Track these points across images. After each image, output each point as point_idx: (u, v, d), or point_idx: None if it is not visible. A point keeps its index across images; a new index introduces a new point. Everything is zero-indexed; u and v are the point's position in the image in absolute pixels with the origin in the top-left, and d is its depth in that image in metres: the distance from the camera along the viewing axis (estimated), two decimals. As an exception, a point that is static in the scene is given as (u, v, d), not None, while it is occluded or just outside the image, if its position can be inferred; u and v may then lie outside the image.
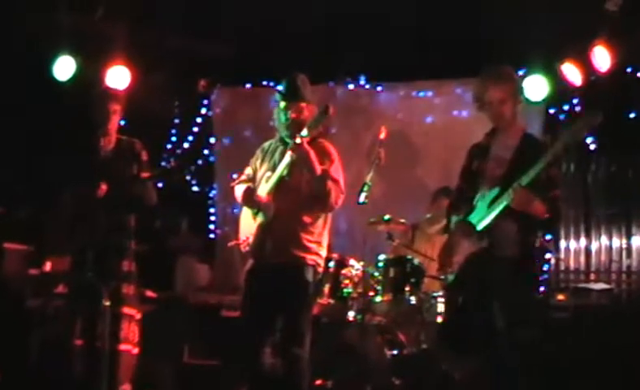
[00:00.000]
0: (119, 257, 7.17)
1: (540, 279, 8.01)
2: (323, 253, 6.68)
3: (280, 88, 6.63)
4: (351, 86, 10.91)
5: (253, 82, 10.56)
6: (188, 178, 11.15)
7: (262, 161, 6.76)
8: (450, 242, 6.45)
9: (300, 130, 6.33)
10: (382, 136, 7.59)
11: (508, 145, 6.27)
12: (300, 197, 6.43)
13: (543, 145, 6.15)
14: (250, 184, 6.71)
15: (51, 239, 8.74)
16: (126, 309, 7.20)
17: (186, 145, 11.23)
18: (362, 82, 10.86)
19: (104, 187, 6.97)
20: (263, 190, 6.56)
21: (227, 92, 11.12)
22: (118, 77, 9.94)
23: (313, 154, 6.31)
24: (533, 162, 5.85)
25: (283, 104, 6.57)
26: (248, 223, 6.68)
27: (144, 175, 7.13)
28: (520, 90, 6.48)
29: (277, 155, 6.61)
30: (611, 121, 6.21)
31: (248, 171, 6.84)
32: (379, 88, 10.86)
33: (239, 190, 6.77)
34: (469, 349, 6.40)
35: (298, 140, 6.27)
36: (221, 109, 11.23)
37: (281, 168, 6.45)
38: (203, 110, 11.31)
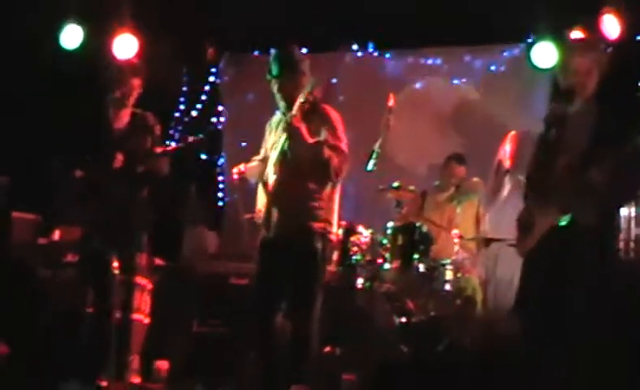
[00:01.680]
0: (133, 228, 7.21)
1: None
2: (334, 219, 6.69)
3: (274, 60, 6.57)
4: (359, 54, 10.86)
5: (262, 49, 10.53)
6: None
7: (270, 132, 6.78)
8: (526, 217, 6.40)
9: (294, 103, 6.40)
10: (391, 103, 7.59)
11: (587, 112, 6.17)
12: (302, 168, 6.42)
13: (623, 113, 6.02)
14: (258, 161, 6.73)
15: (64, 209, 8.74)
16: (138, 279, 7.30)
17: (194, 113, 11.21)
18: (370, 49, 10.81)
19: (120, 158, 7.06)
20: (271, 163, 6.58)
21: (235, 59, 11.10)
22: (125, 45, 9.94)
23: (304, 129, 6.33)
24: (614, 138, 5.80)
25: (275, 81, 6.56)
26: (262, 195, 6.69)
27: (158, 149, 7.14)
28: (605, 59, 6.28)
29: (280, 128, 6.62)
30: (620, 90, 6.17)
31: (262, 150, 6.84)
32: (387, 56, 10.82)
33: (252, 170, 6.78)
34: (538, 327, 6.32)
35: (288, 119, 6.34)
36: (229, 77, 11.22)
37: (281, 142, 6.49)
38: (211, 78, 11.29)
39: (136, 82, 7.29)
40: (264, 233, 6.60)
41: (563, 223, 6.02)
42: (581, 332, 5.90)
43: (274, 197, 6.51)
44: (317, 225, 6.48)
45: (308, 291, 6.44)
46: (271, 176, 6.53)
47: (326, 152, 6.33)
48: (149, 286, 7.57)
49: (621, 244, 9.77)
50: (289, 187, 6.46)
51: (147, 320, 7.58)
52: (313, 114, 6.48)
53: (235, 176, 6.71)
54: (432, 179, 9.35)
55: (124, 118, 7.30)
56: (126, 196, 7.13)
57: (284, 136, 6.45)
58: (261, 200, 6.64)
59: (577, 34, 6.39)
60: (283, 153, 6.48)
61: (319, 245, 6.48)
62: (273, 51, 6.62)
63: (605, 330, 5.99)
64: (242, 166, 6.71)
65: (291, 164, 6.45)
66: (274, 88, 6.56)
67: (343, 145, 6.46)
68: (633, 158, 5.87)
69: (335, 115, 6.57)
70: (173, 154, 7.21)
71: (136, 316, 7.36)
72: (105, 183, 7.08)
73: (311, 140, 6.34)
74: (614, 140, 5.78)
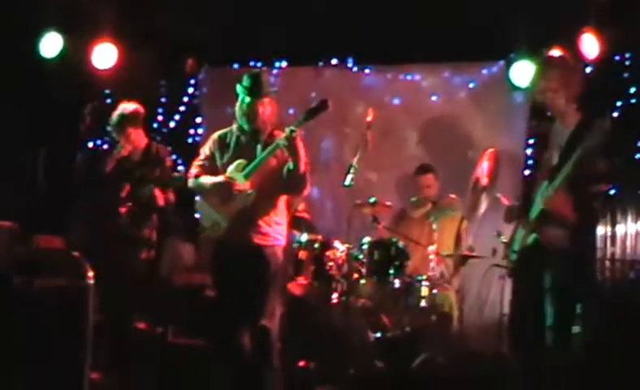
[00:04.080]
0: (137, 246, 8.00)
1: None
2: (284, 232, 6.82)
3: (245, 83, 6.70)
4: (338, 68, 10.86)
5: (241, 63, 10.52)
6: (174, 158, 11.14)
7: (222, 151, 6.86)
8: (513, 233, 6.47)
9: (263, 124, 6.67)
10: (370, 118, 7.60)
11: (564, 132, 6.19)
12: (276, 182, 6.63)
13: (596, 129, 6.03)
14: (223, 177, 6.76)
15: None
16: None
17: (172, 125, 11.19)
18: (350, 64, 10.82)
19: (127, 189, 7.93)
20: (235, 176, 6.64)
21: (214, 72, 11.09)
22: (104, 55, 9.93)
23: (302, 151, 6.52)
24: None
25: (248, 99, 6.67)
26: (208, 211, 6.80)
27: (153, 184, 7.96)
28: (576, 76, 6.33)
29: (242, 144, 6.78)
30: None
31: (205, 162, 6.91)
32: (367, 71, 10.82)
33: (206, 180, 6.81)
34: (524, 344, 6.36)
35: (292, 134, 6.42)
36: (208, 89, 11.21)
37: (263, 155, 6.60)
38: (190, 90, 11.27)
39: (129, 130, 8.12)
40: (221, 242, 6.66)
41: (530, 242, 6.09)
42: (560, 353, 5.94)
43: (242, 210, 6.57)
44: (279, 236, 6.71)
45: (268, 298, 6.57)
46: (239, 189, 6.59)
47: (307, 178, 6.64)
48: None
49: (598, 264, 9.84)
50: (259, 200, 6.61)
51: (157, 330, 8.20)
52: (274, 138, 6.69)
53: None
54: (409, 194, 9.35)
55: (137, 150, 8.13)
56: (131, 220, 7.93)
57: (269, 148, 6.59)
58: (210, 214, 6.72)
59: (554, 53, 6.37)
60: (260, 166, 6.55)
61: (281, 255, 6.70)
62: (245, 76, 6.76)
63: (584, 350, 6.04)
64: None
65: (266, 178, 6.61)
66: (245, 106, 6.70)
67: (307, 174, 6.70)
68: (609, 177, 5.92)
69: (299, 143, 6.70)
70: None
71: (145, 326, 8.14)
72: (111, 209, 7.88)
73: (304, 167, 6.54)
74: (588, 160, 5.82)
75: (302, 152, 6.51)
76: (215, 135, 6.97)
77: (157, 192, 7.93)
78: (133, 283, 7.82)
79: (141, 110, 8.20)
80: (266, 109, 6.69)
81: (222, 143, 6.87)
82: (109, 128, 8.24)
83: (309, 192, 6.91)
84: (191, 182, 6.94)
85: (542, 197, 6.08)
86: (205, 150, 6.96)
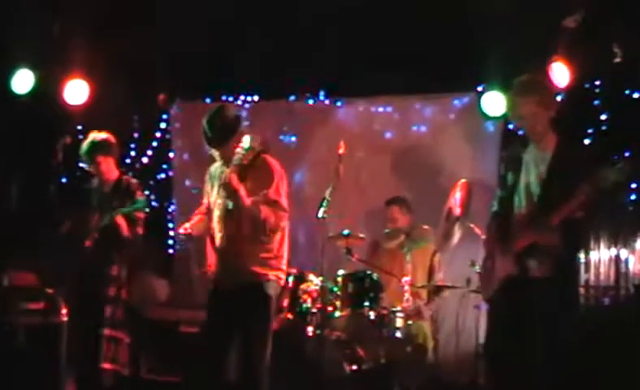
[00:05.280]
0: (104, 283, 7.81)
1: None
2: (283, 266, 6.70)
3: (204, 130, 6.59)
4: (310, 101, 10.88)
5: (213, 97, 10.51)
6: (147, 193, 11.12)
7: (212, 185, 6.82)
8: (487, 263, 6.44)
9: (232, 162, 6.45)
10: (342, 151, 7.60)
11: (542, 158, 6.21)
12: (244, 222, 6.47)
13: (579, 153, 6.01)
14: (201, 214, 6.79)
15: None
16: (109, 331, 7.75)
17: (145, 160, 11.17)
18: (322, 97, 10.84)
19: (96, 218, 7.76)
20: (216, 216, 6.63)
21: (186, 106, 11.08)
22: (76, 91, 9.92)
23: (242, 190, 6.35)
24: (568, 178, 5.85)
25: (208, 146, 6.62)
26: (211, 250, 6.72)
27: (139, 214, 7.88)
28: (551, 99, 6.35)
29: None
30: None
31: (205, 200, 6.89)
32: (339, 104, 10.85)
33: (197, 226, 6.79)
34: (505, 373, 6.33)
35: (225, 179, 6.34)
36: (180, 124, 11.20)
37: (222, 198, 6.55)
38: (162, 125, 11.26)
39: (99, 159, 8.03)
40: (214, 286, 6.59)
41: (512, 270, 6.09)
42: (542, 381, 5.93)
43: (222, 253, 6.55)
44: (268, 273, 6.52)
45: (260, 338, 6.45)
46: (217, 232, 6.56)
47: (263, 211, 6.38)
48: (126, 338, 7.75)
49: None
50: (236, 242, 6.52)
51: (125, 371, 7.68)
52: (255, 167, 6.57)
53: (182, 236, 6.72)
54: (381, 226, 9.34)
55: (107, 182, 8.06)
56: (97, 253, 7.75)
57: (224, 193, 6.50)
58: (211, 254, 6.65)
59: (536, 78, 6.39)
60: (225, 210, 6.53)
61: (271, 292, 6.52)
62: (205, 117, 6.64)
63: (565, 377, 6.03)
64: (187, 225, 6.70)
65: (234, 219, 6.49)
66: (211, 149, 6.62)
67: (283, 201, 6.54)
68: (585, 205, 5.93)
69: (277, 169, 6.63)
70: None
71: (112, 366, 7.73)
72: (81, 240, 7.73)
73: (248, 202, 6.36)
74: (566, 187, 5.83)
75: (241, 191, 6.32)
76: (209, 169, 6.93)
77: (120, 221, 7.73)
78: (100, 321, 7.68)
79: (112, 140, 8.13)
80: (228, 150, 6.51)
81: (210, 178, 6.85)
82: (81, 162, 8.19)
83: (281, 226, 6.64)
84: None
85: (524, 226, 6.08)
86: (204, 189, 6.93)
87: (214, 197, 6.71)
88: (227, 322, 6.49)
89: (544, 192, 6.04)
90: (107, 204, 7.82)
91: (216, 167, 6.80)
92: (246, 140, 6.41)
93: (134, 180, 8.14)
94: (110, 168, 8.06)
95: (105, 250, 7.77)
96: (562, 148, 6.09)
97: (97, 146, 8.00)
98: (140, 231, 7.85)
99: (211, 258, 6.67)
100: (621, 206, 9.54)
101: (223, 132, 6.54)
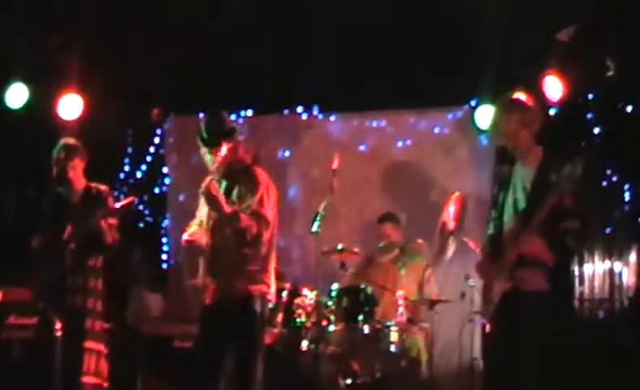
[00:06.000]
0: (83, 295, 7.56)
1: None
2: (271, 281, 6.62)
3: (201, 132, 6.60)
4: (304, 116, 10.89)
5: (207, 111, 10.47)
6: (141, 208, 11.10)
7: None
8: (488, 278, 6.44)
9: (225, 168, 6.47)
10: (335, 165, 7.61)
11: (527, 174, 6.22)
12: (229, 234, 6.43)
13: (567, 175, 6.03)
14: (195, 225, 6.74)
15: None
16: (89, 344, 7.53)
17: (139, 175, 11.16)
18: (315, 112, 10.85)
19: (69, 230, 7.44)
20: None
21: (180, 121, 11.09)
22: (70, 105, 9.92)
23: (221, 197, 6.34)
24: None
25: (204, 149, 6.59)
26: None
27: (111, 221, 7.50)
28: (533, 116, 6.34)
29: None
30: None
31: (198, 213, 6.84)
32: (332, 118, 10.86)
33: (197, 234, 6.76)
34: None
35: (205, 185, 6.33)
36: (174, 138, 11.20)
37: (209, 208, 6.52)
38: (156, 140, 11.26)
39: (72, 162, 7.72)
40: (205, 301, 6.59)
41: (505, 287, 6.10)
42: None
43: (210, 264, 6.53)
44: (254, 288, 6.46)
45: (249, 355, 6.42)
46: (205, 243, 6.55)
47: (243, 220, 6.32)
48: (105, 350, 7.66)
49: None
50: (222, 253, 6.48)
51: (106, 384, 7.63)
52: (244, 176, 6.53)
53: (185, 244, 6.71)
54: (375, 240, 9.34)
55: (76, 191, 7.76)
56: (75, 264, 7.52)
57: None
58: (203, 267, 6.65)
59: (511, 96, 6.41)
60: (214, 219, 6.51)
61: (258, 308, 6.46)
62: (201, 123, 6.65)
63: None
64: (186, 236, 6.70)
65: (220, 230, 6.47)
66: (206, 155, 6.59)
67: (267, 212, 6.46)
68: (577, 214, 5.94)
69: (263, 181, 6.56)
70: (119, 219, 7.56)
71: (93, 380, 7.52)
72: (57, 251, 7.48)
73: (228, 209, 6.34)
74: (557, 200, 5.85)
75: (220, 198, 6.32)
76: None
77: (105, 227, 7.48)
78: (82, 336, 7.62)
79: (80, 146, 7.89)
80: (223, 154, 6.49)
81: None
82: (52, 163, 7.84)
83: (265, 237, 6.53)
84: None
85: (511, 240, 6.10)
86: (199, 209, 6.88)
87: (204, 212, 6.68)
88: (218, 338, 6.45)
89: (528, 204, 6.05)
90: (77, 214, 7.59)
91: (207, 181, 6.80)
92: (223, 149, 6.43)
93: (103, 187, 7.87)
94: (79, 175, 7.81)
95: (82, 261, 7.60)
96: (546, 162, 6.09)
97: (71, 149, 7.76)
98: (116, 237, 7.71)
99: (202, 270, 6.66)
100: (615, 219, 9.57)
101: (219, 134, 6.54)
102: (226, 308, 6.41)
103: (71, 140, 7.90)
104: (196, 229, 6.67)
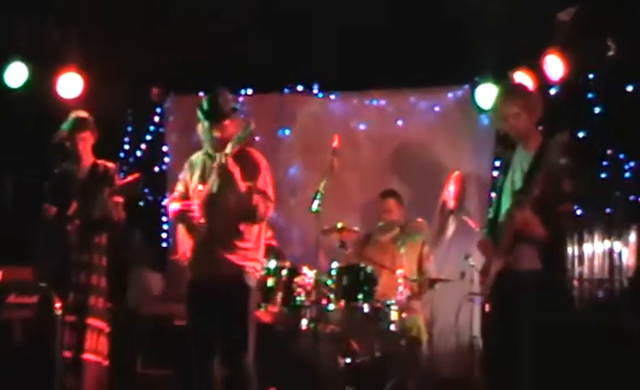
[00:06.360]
0: (87, 271, 7.58)
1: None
2: (261, 257, 6.73)
3: (202, 107, 6.65)
4: (304, 94, 10.87)
5: (206, 90, 10.44)
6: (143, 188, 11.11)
7: (192, 174, 6.80)
8: (488, 257, 6.46)
9: (225, 147, 6.45)
10: (335, 144, 7.60)
11: (526, 158, 6.24)
12: (230, 211, 6.49)
13: (555, 144, 6.02)
14: (183, 203, 6.73)
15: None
16: (91, 321, 7.56)
17: (139, 154, 11.16)
18: (315, 90, 10.83)
19: (74, 206, 7.46)
20: (196, 204, 6.59)
21: (180, 100, 11.07)
22: (70, 84, 9.90)
23: (237, 173, 6.41)
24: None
25: (206, 123, 6.62)
26: (185, 238, 6.71)
27: (117, 198, 7.49)
28: (536, 101, 6.40)
29: (207, 168, 6.68)
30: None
31: (180, 187, 6.86)
32: (332, 97, 10.84)
33: (173, 208, 6.77)
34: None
35: (222, 160, 6.37)
36: (174, 117, 11.19)
37: (210, 184, 6.54)
38: (156, 119, 11.25)
39: (82, 135, 7.76)
40: (193, 275, 6.60)
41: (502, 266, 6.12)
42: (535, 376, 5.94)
43: (200, 241, 6.52)
44: (248, 265, 6.53)
45: (242, 331, 6.47)
46: (201, 218, 6.54)
47: (255, 198, 6.41)
48: (107, 329, 7.67)
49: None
50: (218, 229, 6.51)
51: (106, 362, 7.64)
52: (242, 158, 6.54)
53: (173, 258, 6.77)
54: (375, 219, 9.34)
55: (84, 167, 7.79)
56: (80, 241, 7.51)
57: (212, 177, 6.53)
58: (184, 241, 6.65)
59: (514, 80, 6.43)
60: (213, 195, 6.53)
61: (251, 284, 6.54)
62: (205, 94, 6.70)
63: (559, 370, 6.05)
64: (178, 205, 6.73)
65: (219, 207, 6.50)
66: (206, 131, 6.63)
67: (270, 191, 6.56)
68: (574, 196, 5.95)
69: (262, 161, 6.67)
70: (125, 197, 7.58)
71: (93, 357, 7.55)
72: (61, 228, 7.46)
73: (243, 187, 6.40)
74: (552, 177, 5.86)
75: (237, 175, 6.38)
76: (190, 158, 6.92)
77: (112, 204, 7.49)
78: (85, 313, 7.61)
79: (92, 120, 7.94)
80: (226, 132, 6.56)
81: (191, 166, 6.83)
82: (59, 140, 7.84)
83: (271, 215, 6.76)
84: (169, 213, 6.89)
85: (507, 221, 6.11)
86: (180, 177, 6.92)
87: (193, 185, 6.71)
88: (209, 317, 6.48)
89: (524, 184, 6.06)
90: (84, 190, 7.61)
91: (197, 156, 6.83)
92: (245, 127, 6.45)
93: (111, 164, 7.90)
94: (87, 150, 7.85)
95: (88, 238, 7.61)
96: (545, 145, 6.10)
97: (81, 121, 7.81)
98: (122, 215, 7.71)
99: (185, 246, 6.68)
100: (615, 199, 9.56)
101: (223, 109, 6.59)
102: (216, 285, 6.45)
103: (83, 113, 7.92)
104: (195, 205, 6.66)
